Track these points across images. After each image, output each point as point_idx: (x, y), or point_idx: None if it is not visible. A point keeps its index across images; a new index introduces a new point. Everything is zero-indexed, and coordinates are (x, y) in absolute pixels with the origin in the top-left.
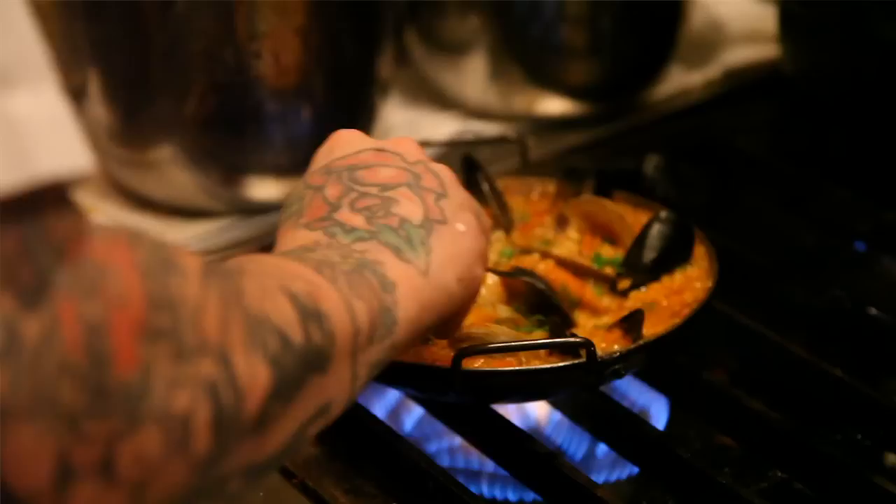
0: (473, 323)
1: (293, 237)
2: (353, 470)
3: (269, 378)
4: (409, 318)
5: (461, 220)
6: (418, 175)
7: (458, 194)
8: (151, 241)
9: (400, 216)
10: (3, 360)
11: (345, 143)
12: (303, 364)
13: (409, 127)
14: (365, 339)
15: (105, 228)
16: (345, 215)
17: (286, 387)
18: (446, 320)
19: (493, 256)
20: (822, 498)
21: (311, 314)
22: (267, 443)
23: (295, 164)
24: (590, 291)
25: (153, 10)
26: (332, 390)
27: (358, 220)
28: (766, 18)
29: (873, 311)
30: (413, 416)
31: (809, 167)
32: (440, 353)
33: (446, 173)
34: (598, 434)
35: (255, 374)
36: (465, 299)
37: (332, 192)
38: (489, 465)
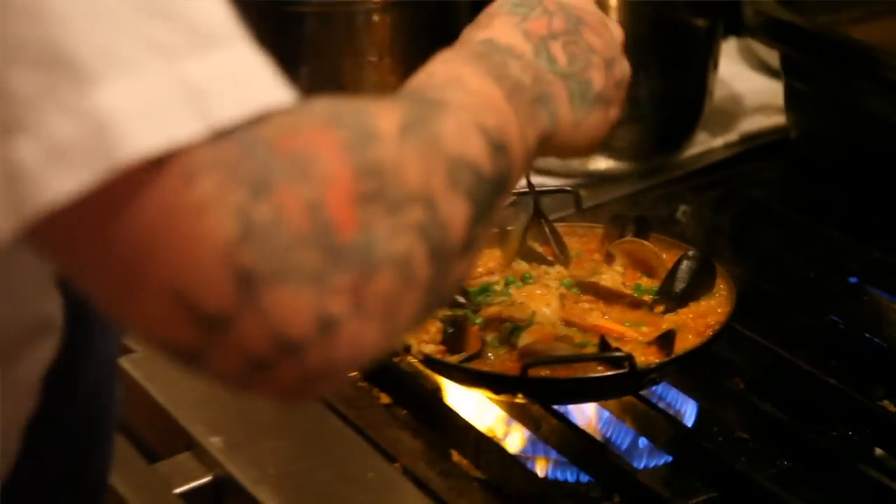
0: (538, 340)
1: (509, 32)
2: (444, 456)
3: (468, 210)
4: (550, 147)
5: (617, 107)
6: (614, 60)
7: (623, 91)
8: (351, 117)
9: (588, 76)
10: (245, 242)
11: None
12: (492, 191)
13: None
14: (529, 159)
15: (309, 116)
16: (555, 48)
17: (481, 213)
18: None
19: (553, 285)
20: (820, 483)
21: (498, 147)
22: (471, 256)
23: None
24: (620, 316)
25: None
26: (506, 199)
27: (561, 58)
28: (776, 93)
29: (863, 333)
30: (492, 413)
31: (811, 214)
32: (513, 364)
33: (624, 63)
34: (639, 429)
35: (456, 210)
36: (585, 151)
37: (557, 24)
38: (553, 453)
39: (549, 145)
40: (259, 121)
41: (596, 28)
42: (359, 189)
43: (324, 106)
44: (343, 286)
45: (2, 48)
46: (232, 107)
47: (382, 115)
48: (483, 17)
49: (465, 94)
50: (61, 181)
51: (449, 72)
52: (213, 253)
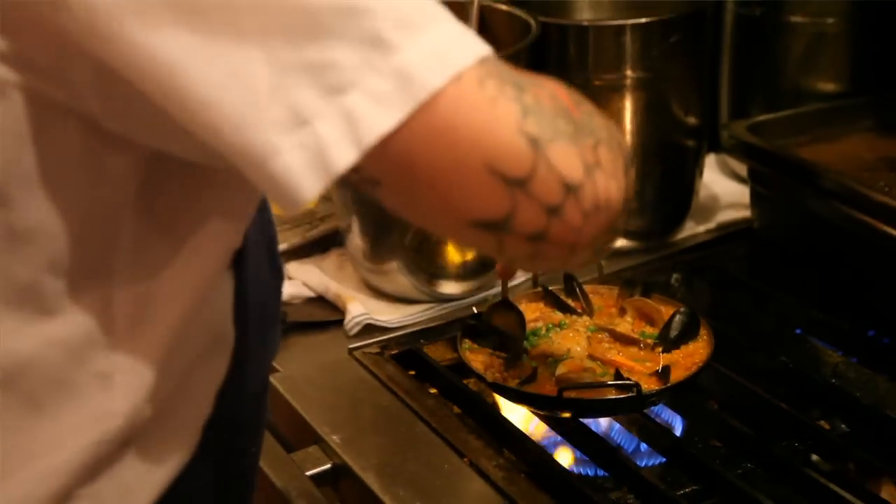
0: (570, 370)
1: None
2: (499, 453)
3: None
4: None
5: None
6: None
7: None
8: (577, 95)
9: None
10: (526, 117)
11: None
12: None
13: None
14: None
15: (557, 84)
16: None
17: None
18: None
19: (581, 330)
20: (774, 480)
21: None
22: (627, 187)
23: (468, 272)
24: (632, 355)
25: None
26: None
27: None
28: (744, 194)
29: (805, 371)
30: (535, 423)
31: (768, 283)
32: (552, 388)
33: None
34: (641, 437)
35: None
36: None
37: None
38: (578, 453)
39: None
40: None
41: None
42: (574, 99)
43: (565, 85)
44: (588, 145)
45: (328, 33)
46: (482, 47)
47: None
48: None
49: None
50: (388, 116)
51: None
52: (510, 128)
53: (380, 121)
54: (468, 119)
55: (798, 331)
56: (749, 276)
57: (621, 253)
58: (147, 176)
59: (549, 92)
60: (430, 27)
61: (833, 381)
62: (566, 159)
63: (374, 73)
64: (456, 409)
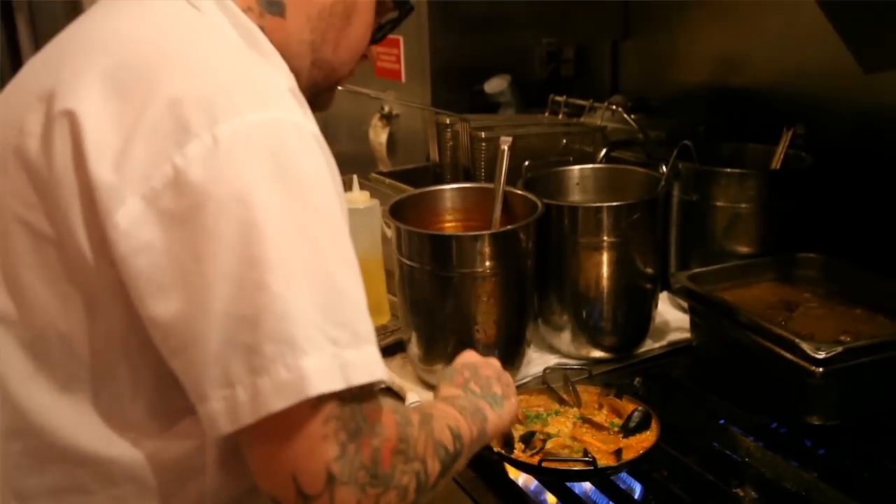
0: (556, 446)
1: (448, 390)
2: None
3: (440, 469)
4: (490, 432)
5: (513, 397)
6: (500, 375)
7: (512, 388)
8: (403, 410)
9: (493, 391)
10: (337, 460)
11: (471, 355)
12: (453, 460)
13: (540, 359)
14: (474, 442)
15: (388, 404)
16: (472, 385)
17: (446, 471)
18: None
19: (570, 418)
20: None
21: (457, 436)
22: (438, 489)
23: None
24: (601, 439)
25: (440, 286)
26: (462, 463)
27: (477, 389)
28: (686, 321)
29: (725, 451)
30: (524, 480)
31: (703, 386)
32: (534, 459)
33: (508, 377)
34: (609, 496)
35: (434, 468)
36: (509, 425)
37: (467, 375)
38: None
39: (490, 430)
40: (368, 393)
41: (486, 367)
42: (397, 447)
43: (393, 403)
44: (373, 493)
45: (252, 326)
46: (362, 377)
47: (413, 414)
48: (439, 387)
49: (441, 412)
50: (277, 401)
51: (434, 405)
52: (321, 461)
53: (272, 403)
54: (301, 438)
55: (722, 421)
56: (689, 381)
57: (602, 361)
58: None
59: (376, 443)
60: (329, 348)
61: (746, 459)
62: (345, 500)
63: (284, 367)
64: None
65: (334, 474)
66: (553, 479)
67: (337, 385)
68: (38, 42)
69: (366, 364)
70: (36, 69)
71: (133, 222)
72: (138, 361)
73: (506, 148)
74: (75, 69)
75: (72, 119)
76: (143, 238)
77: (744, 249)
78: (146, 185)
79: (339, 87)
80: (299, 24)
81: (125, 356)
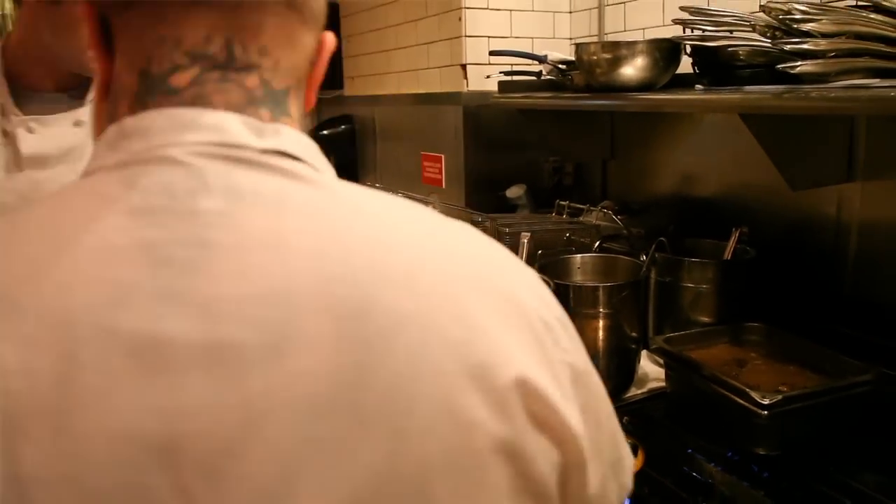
0: None
1: None
2: None
3: None
4: None
5: None
6: None
7: None
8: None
9: None
10: None
11: None
12: None
13: None
14: None
15: None
16: None
17: None
18: None
19: None
20: None
21: None
22: None
23: None
24: None
25: None
26: None
27: None
28: (662, 374)
29: (694, 474)
30: None
31: (677, 424)
32: None
33: None
34: None
35: None
36: None
37: None
38: None
39: None
40: None
41: None
42: None
43: None
44: None
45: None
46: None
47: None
48: None
49: None
50: None
51: None
52: None
53: None
54: None
55: (690, 451)
56: (666, 419)
57: None
58: None
59: None
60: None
61: (710, 481)
62: None
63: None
64: None
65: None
66: None
67: None
68: None
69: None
70: None
71: None
72: None
73: (525, 241)
74: None
75: None
76: None
77: (705, 319)
78: None
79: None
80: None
81: None
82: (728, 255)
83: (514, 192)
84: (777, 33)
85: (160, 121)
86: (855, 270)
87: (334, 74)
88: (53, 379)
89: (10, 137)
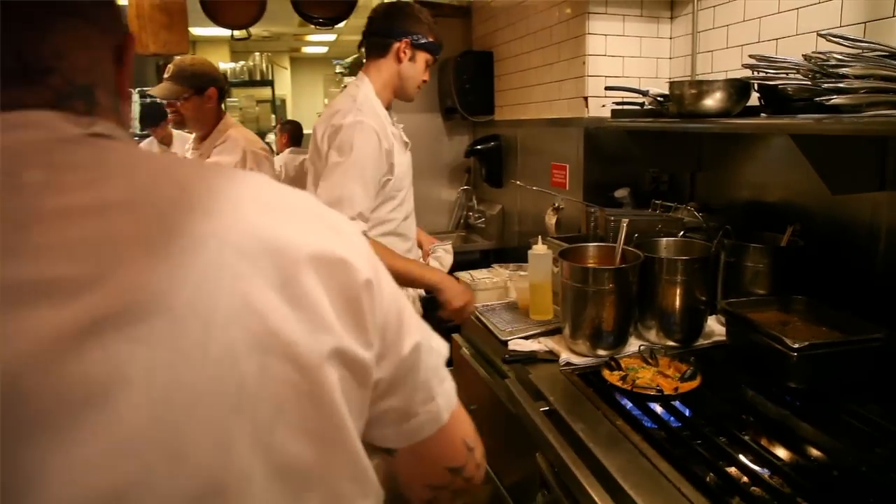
0: (640, 382)
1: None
2: (615, 419)
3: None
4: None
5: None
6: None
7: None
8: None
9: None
10: (468, 436)
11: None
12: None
13: (637, 343)
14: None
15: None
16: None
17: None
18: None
19: (652, 370)
20: (731, 443)
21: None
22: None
23: (608, 344)
24: (667, 382)
25: (584, 296)
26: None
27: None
28: (723, 330)
29: (739, 398)
30: (629, 405)
31: (731, 365)
32: (628, 386)
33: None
34: (669, 412)
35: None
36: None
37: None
38: (645, 418)
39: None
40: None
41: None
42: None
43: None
44: (480, 451)
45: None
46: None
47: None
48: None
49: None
50: (441, 414)
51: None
52: (471, 433)
53: (441, 417)
54: (461, 422)
55: (742, 385)
56: (722, 362)
57: (672, 347)
58: None
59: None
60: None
61: (752, 403)
62: (479, 453)
63: (442, 392)
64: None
65: (472, 447)
66: (638, 399)
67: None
68: None
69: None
70: None
71: None
72: None
73: (624, 225)
74: None
75: None
76: None
77: (760, 291)
78: None
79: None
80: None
81: None
82: (783, 243)
83: (620, 193)
84: (817, 75)
85: None
86: (883, 261)
87: (487, 104)
88: None
89: None
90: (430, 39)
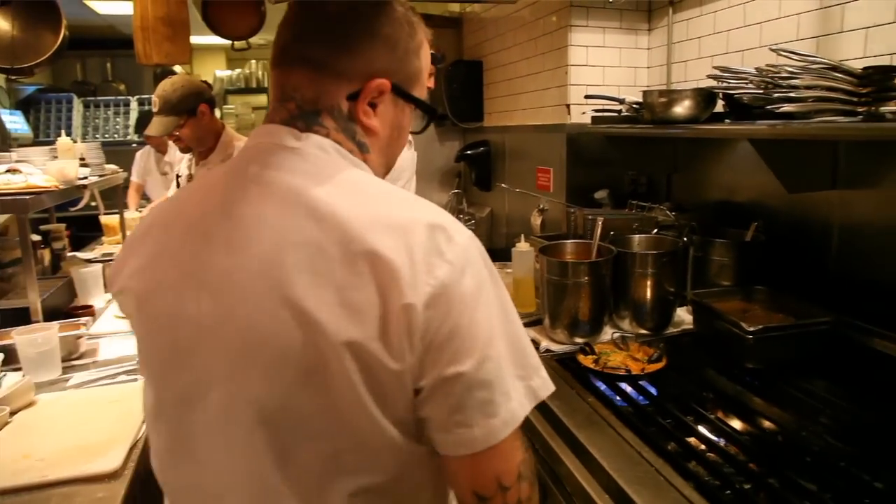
0: (611, 364)
1: None
2: (587, 397)
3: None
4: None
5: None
6: None
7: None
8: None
9: None
10: (523, 463)
11: None
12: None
13: (611, 331)
14: None
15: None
16: None
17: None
18: None
19: (623, 354)
20: (697, 421)
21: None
22: None
23: (584, 332)
24: (636, 364)
25: (562, 289)
26: None
27: None
28: (690, 319)
29: (702, 377)
30: (602, 385)
31: (699, 350)
32: (600, 367)
33: None
34: (637, 392)
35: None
36: None
37: None
38: (616, 396)
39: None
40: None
41: None
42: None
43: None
44: (528, 482)
45: (502, 359)
46: (540, 395)
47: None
48: None
49: None
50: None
51: None
52: (517, 460)
53: (519, 415)
54: (502, 459)
55: (705, 367)
56: (690, 347)
57: (643, 335)
58: None
59: (528, 456)
60: (526, 380)
61: (712, 382)
62: (522, 489)
63: (522, 390)
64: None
65: (521, 472)
66: (609, 379)
67: (532, 404)
68: None
69: (546, 384)
70: None
71: None
72: None
73: (599, 222)
74: None
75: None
76: None
77: (725, 283)
78: None
79: (517, 190)
80: (376, 153)
81: None
82: (747, 239)
83: (600, 194)
84: (769, 86)
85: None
86: (836, 253)
87: (477, 111)
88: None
89: None
90: (432, 51)
